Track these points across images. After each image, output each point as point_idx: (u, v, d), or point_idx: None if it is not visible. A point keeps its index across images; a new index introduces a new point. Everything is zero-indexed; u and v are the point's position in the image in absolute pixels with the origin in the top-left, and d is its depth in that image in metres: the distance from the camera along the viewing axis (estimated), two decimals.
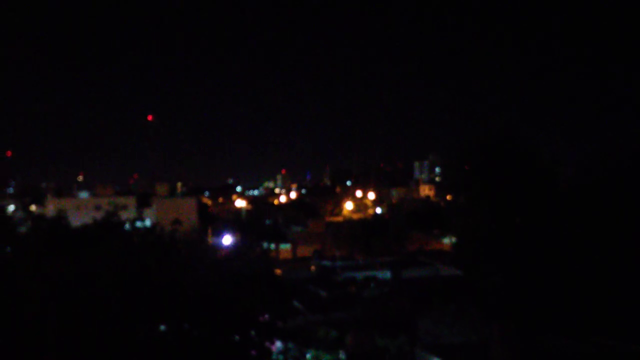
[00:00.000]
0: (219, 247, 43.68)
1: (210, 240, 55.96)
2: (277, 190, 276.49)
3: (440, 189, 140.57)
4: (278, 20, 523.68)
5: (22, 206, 19.66)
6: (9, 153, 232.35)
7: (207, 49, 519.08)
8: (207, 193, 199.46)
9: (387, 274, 52.69)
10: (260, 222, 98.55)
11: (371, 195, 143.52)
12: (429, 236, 78.53)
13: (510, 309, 28.17)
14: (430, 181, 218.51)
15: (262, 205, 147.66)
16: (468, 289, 32.38)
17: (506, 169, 30.26)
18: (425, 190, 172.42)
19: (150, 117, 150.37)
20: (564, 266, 27.56)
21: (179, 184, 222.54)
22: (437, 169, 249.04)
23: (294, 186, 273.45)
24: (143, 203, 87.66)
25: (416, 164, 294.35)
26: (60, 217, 19.76)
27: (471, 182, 31.76)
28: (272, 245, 74.37)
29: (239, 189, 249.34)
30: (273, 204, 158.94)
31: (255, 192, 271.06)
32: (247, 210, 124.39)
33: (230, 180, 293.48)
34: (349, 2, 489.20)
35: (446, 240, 72.56)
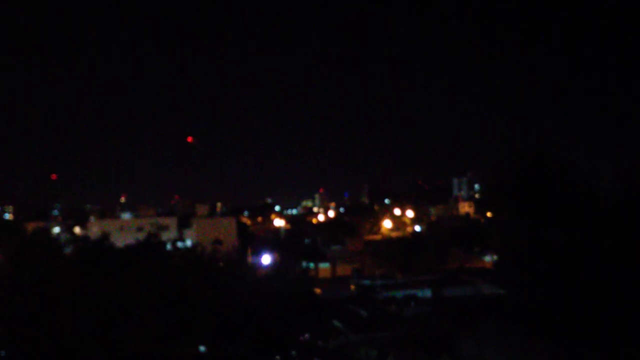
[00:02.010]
0: (258, 266, 43.78)
1: (250, 259, 56.14)
2: (315, 209, 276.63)
3: (480, 205, 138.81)
4: (316, 42, 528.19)
5: (67, 228, 20.04)
6: (54, 176, 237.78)
7: (247, 72, 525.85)
8: (246, 213, 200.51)
9: (428, 293, 52.15)
10: (299, 242, 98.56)
11: (410, 213, 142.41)
12: (470, 254, 77.52)
13: (555, 328, 27.52)
14: (470, 198, 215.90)
15: (300, 224, 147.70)
16: (511, 307, 31.76)
17: (547, 184, 29.75)
18: (465, 208, 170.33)
19: (190, 139, 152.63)
20: (609, 283, 26.87)
21: (219, 204, 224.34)
22: (477, 186, 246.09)
23: (332, 205, 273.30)
24: (184, 223, 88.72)
25: (455, 181, 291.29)
26: (104, 239, 20.07)
27: (512, 199, 31.26)
28: (311, 265, 74.23)
29: (277, 208, 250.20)
30: (311, 223, 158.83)
31: (294, 212, 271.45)
32: (286, 230, 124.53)
33: (269, 200, 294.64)
34: (393, 23, 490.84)
35: (487, 258, 71.53)
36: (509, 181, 32.24)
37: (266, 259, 57.92)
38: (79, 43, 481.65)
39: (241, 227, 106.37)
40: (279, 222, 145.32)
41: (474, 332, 33.19)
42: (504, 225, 33.19)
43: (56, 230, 20.40)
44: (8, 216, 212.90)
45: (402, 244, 73.50)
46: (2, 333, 18.11)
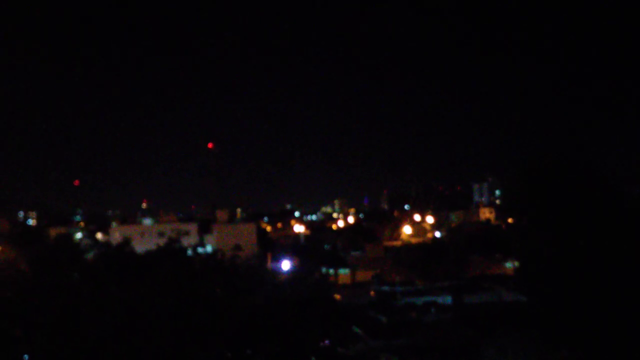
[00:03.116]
0: (278, 272, 43.78)
1: (270, 265, 56.15)
2: (335, 215, 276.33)
3: (501, 212, 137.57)
4: (336, 50, 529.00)
5: (89, 234, 20.23)
6: (76, 182, 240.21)
7: (268, 78, 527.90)
8: (266, 219, 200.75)
9: (448, 299, 51.81)
10: (318, 247, 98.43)
11: (430, 219, 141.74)
12: (490, 260, 76.90)
13: (578, 336, 27.18)
14: (490, 204, 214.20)
15: (320, 230, 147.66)
16: (533, 314, 31.42)
17: (570, 190, 29.42)
18: (486, 214, 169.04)
19: (210, 145, 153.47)
20: (634, 291, 26.48)
21: (239, 210, 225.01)
22: (497, 192, 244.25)
23: (351, 211, 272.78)
24: (204, 229, 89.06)
25: (475, 186, 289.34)
26: (125, 244, 20.20)
27: (534, 204, 30.96)
28: (331, 271, 74.10)
29: (297, 214, 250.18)
30: (331, 229, 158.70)
31: (314, 217, 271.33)
32: (306, 236, 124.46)
33: (289, 206, 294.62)
34: (414, 30, 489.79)
35: (508, 265, 70.88)
36: (530, 187, 31.95)
37: (286, 265, 57.91)
38: (102, 51, 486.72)
39: (261, 233, 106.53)
40: (298, 228, 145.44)
41: (495, 340, 32.89)
42: (526, 231, 32.89)
43: (78, 235, 20.58)
44: (31, 222, 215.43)
45: (422, 250, 73.09)
46: (25, 337, 18.29)
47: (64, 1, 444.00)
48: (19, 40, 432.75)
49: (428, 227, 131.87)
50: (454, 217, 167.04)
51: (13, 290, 18.79)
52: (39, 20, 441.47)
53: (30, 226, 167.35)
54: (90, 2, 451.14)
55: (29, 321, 18.48)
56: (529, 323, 31.37)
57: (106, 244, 19.93)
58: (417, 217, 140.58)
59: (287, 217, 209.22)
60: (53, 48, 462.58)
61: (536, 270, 30.98)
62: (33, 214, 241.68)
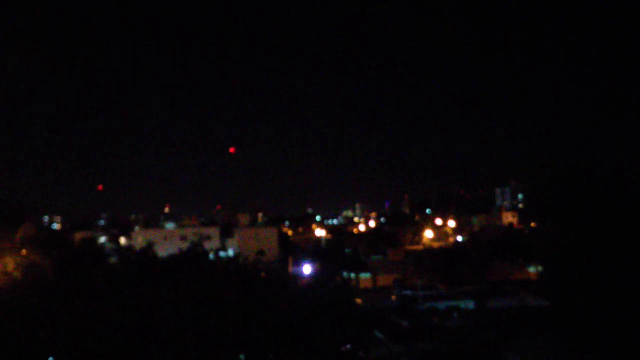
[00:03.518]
0: (299, 276, 43.83)
1: (291, 269, 56.24)
2: (356, 220, 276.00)
3: (525, 216, 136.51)
4: (356, 55, 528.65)
5: (112, 238, 20.44)
6: (100, 187, 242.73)
7: (289, 83, 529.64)
8: (287, 223, 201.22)
9: (471, 304, 51.49)
10: (340, 252, 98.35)
11: (452, 224, 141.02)
12: (514, 265, 76.28)
13: (603, 342, 26.85)
14: (513, 208, 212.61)
15: (341, 234, 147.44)
16: (557, 320, 31.12)
17: (595, 194, 29.11)
18: (508, 218, 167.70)
19: (232, 150, 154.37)
20: None
21: (260, 214, 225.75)
22: (520, 196, 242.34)
23: (373, 215, 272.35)
24: (226, 233, 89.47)
25: (498, 190, 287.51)
26: (148, 248, 20.37)
27: (558, 209, 30.68)
28: (353, 275, 73.99)
29: (318, 218, 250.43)
30: (352, 233, 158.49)
31: (335, 222, 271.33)
32: (327, 240, 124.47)
33: (310, 210, 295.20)
34: (432, 34, 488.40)
35: (532, 269, 70.26)
36: (554, 191, 31.68)
37: (307, 269, 57.97)
38: (126, 58, 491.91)
39: (283, 237, 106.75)
40: (320, 232, 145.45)
41: (518, 345, 32.63)
42: (549, 235, 32.61)
43: (102, 240, 20.80)
44: (56, 226, 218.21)
45: (444, 254, 72.68)
46: (50, 339, 18.52)
47: (98, 8, 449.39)
48: (48, 47, 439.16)
49: (450, 232, 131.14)
50: (476, 222, 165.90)
51: (39, 294, 19.03)
52: (66, 26, 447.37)
53: (55, 231, 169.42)
54: (115, 8, 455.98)
55: (54, 324, 18.70)
56: (553, 328, 31.08)
57: (129, 248, 20.10)
58: (438, 222, 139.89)
59: (308, 222, 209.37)
60: (82, 55, 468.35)
61: (560, 274, 30.70)
62: (58, 218, 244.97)
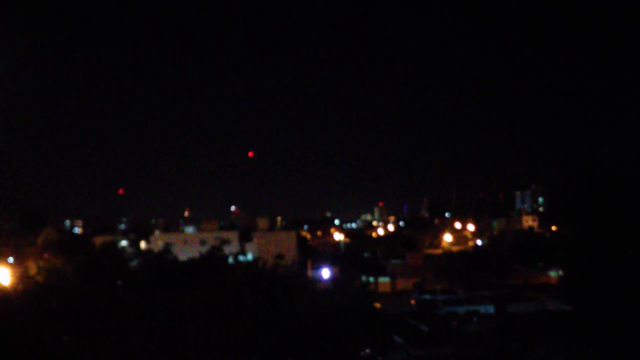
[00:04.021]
0: (318, 280, 43.82)
1: (310, 273, 56.25)
2: (374, 223, 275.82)
3: (545, 219, 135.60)
4: (373, 58, 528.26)
5: (132, 242, 20.54)
6: (120, 191, 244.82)
7: (307, 87, 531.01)
8: (306, 226, 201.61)
9: (491, 309, 51.16)
10: (358, 255, 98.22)
11: (471, 227, 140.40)
12: (534, 269, 75.76)
13: (626, 347, 26.57)
14: (533, 212, 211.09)
15: (360, 238, 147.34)
16: (579, 325, 30.83)
17: (617, 197, 28.83)
18: (529, 221, 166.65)
19: (251, 154, 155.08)
20: None
21: (279, 218, 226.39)
22: (541, 199, 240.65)
23: (391, 218, 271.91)
24: (245, 237, 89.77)
25: (517, 194, 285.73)
26: (166, 251, 20.47)
27: (579, 211, 30.43)
28: (371, 279, 73.88)
29: (337, 222, 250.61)
30: (371, 236, 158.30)
31: (353, 225, 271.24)
32: (346, 243, 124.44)
33: (329, 214, 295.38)
34: (453, 38, 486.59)
35: (553, 273, 69.75)
36: (575, 193, 31.43)
37: (326, 273, 57.94)
38: (145, 62, 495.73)
39: (301, 240, 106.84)
40: (338, 236, 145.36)
41: (539, 351, 32.37)
42: (570, 239, 32.37)
43: (122, 243, 20.96)
44: (77, 230, 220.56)
45: (464, 258, 72.38)
46: (72, 343, 18.67)
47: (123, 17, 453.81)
48: (75, 53, 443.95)
49: (469, 235, 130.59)
50: (496, 225, 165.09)
51: (60, 298, 19.20)
52: (91, 30, 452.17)
53: (76, 234, 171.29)
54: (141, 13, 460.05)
55: (75, 328, 18.85)
56: (574, 333, 30.81)
57: (149, 251, 20.20)
58: (457, 225, 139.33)
59: (327, 225, 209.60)
60: (105, 60, 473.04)
61: (581, 278, 30.44)
62: (79, 222, 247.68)
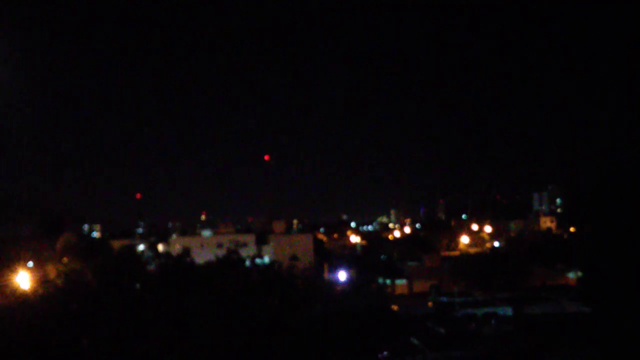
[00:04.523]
0: (335, 282, 43.81)
1: (326, 275, 56.29)
2: (391, 226, 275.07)
3: (563, 220, 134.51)
4: (390, 60, 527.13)
5: (150, 245, 20.71)
6: (138, 195, 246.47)
7: (323, 90, 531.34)
8: (322, 229, 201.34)
9: (509, 311, 50.87)
10: (375, 258, 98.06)
11: (488, 229, 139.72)
12: (552, 270, 75.17)
13: None
14: (551, 213, 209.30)
15: (376, 240, 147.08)
16: (598, 327, 30.56)
17: (636, 199, 28.56)
18: (546, 223, 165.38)
19: (267, 157, 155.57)
20: None
21: (295, 221, 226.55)
22: (558, 200, 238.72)
23: (407, 221, 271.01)
24: (262, 240, 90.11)
25: (535, 195, 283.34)
26: (184, 255, 20.61)
27: (597, 213, 30.18)
28: (388, 281, 73.71)
29: (353, 224, 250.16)
30: (387, 239, 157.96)
31: (370, 228, 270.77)
32: (362, 246, 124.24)
33: (345, 216, 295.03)
34: (468, 41, 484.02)
35: (571, 275, 69.15)
36: (593, 194, 31.19)
37: (342, 275, 57.94)
38: (160, 67, 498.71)
39: (318, 243, 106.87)
40: (354, 239, 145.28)
41: (557, 352, 32.15)
42: (589, 240, 32.09)
43: (140, 247, 21.10)
44: (95, 234, 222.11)
45: (481, 260, 71.90)
46: (92, 345, 18.86)
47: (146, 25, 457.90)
48: (92, 57, 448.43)
49: (486, 237, 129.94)
50: (513, 227, 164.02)
51: (80, 301, 19.42)
52: (111, 37, 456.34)
53: (94, 239, 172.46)
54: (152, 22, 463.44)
55: (95, 330, 19.04)
56: (593, 335, 30.54)
57: (167, 255, 20.36)
58: (474, 227, 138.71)
59: (343, 228, 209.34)
60: (121, 65, 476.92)
61: (600, 280, 30.17)
62: (97, 226, 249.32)
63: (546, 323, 42.55)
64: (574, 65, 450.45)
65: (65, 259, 56.98)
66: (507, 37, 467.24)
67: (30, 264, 46.55)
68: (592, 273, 32.35)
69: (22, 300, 20.35)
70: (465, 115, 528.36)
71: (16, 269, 33.02)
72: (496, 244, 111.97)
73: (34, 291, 22.12)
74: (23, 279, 26.80)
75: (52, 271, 21.42)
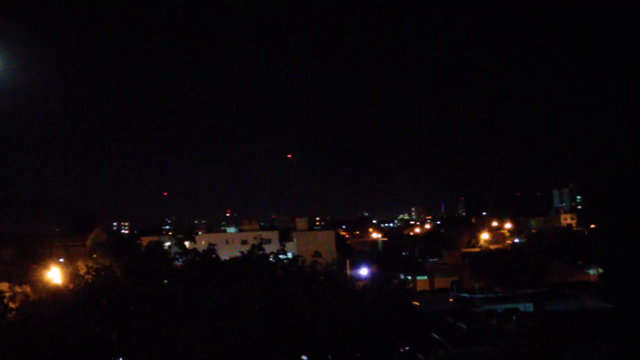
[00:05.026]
0: (356, 278, 44.21)
1: (349, 272, 56.64)
2: (412, 222, 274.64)
3: (583, 217, 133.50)
4: (410, 61, 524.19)
5: (177, 242, 21.13)
6: (165, 194, 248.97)
7: (344, 89, 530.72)
8: (344, 226, 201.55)
9: (530, 307, 50.94)
10: (396, 254, 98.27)
11: (508, 226, 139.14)
12: (573, 267, 74.93)
13: None
14: (572, 210, 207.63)
15: (397, 237, 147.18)
16: (619, 323, 30.67)
17: None
18: (567, 220, 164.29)
19: (290, 156, 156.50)
20: None
21: (318, 218, 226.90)
22: (579, 198, 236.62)
23: (428, 218, 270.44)
24: (285, 237, 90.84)
25: (555, 192, 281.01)
26: (210, 251, 20.99)
27: (618, 209, 30.29)
28: (409, 277, 73.99)
29: (374, 221, 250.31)
30: (408, 235, 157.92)
31: (391, 225, 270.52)
32: (383, 243, 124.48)
33: (366, 213, 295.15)
34: (491, 39, 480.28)
35: (592, 271, 68.95)
36: (614, 191, 31.29)
37: (364, 272, 58.29)
38: (188, 64, 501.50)
39: (340, 240, 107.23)
40: (376, 235, 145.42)
41: (578, 349, 32.25)
42: (610, 236, 32.19)
43: (167, 244, 21.65)
44: (124, 231, 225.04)
45: (501, 256, 71.84)
46: (120, 340, 19.41)
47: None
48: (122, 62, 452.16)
49: (507, 234, 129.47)
50: (534, 223, 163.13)
51: (109, 297, 19.96)
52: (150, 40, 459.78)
53: (123, 235, 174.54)
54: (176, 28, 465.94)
55: (123, 326, 19.56)
56: (615, 332, 30.64)
57: (193, 251, 20.83)
58: (495, 224, 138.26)
59: (364, 225, 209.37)
60: (150, 61, 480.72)
61: (621, 276, 30.28)
62: (126, 224, 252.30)
63: (567, 319, 42.58)
64: (598, 62, 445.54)
65: (95, 255, 58.01)
66: (530, 34, 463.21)
67: (62, 260, 47.47)
68: (612, 269, 32.45)
69: (53, 295, 20.96)
70: (487, 113, 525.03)
71: (48, 265, 33.93)
72: (517, 240, 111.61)
73: (65, 287, 22.76)
74: (55, 275, 27.59)
75: (82, 267, 22.00)
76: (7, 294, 20.04)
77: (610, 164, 32.31)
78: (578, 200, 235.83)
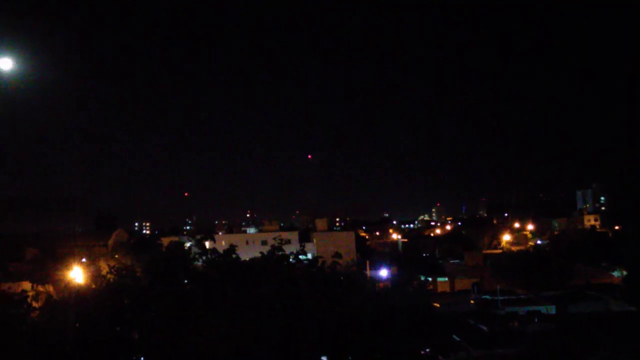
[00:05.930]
0: (377, 279, 44.17)
1: (369, 272, 56.61)
2: (432, 223, 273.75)
3: (607, 218, 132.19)
4: (429, 62, 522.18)
5: (198, 242, 21.20)
6: (186, 194, 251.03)
7: (364, 91, 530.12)
8: (364, 227, 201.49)
9: (552, 309, 50.46)
10: (416, 255, 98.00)
11: (531, 227, 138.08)
12: (596, 269, 74.09)
13: None
14: (595, 211, 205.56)
15: (418, 238, 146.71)
16: None
17: None
18: (590, 221, 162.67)
19: (310, 157, 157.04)
20: None
21: (337, 219, 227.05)
22: (602, 198, 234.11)
23: (449, 219, 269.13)
24: (304, 237, 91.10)
25: (579, 193, 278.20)
26: (230, 251, 21.06)
27: None
28: (430, 279, 73.71)
29: (394, 222, 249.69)
30: (429, 236, 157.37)
31: (411, 226, 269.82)
32: (404, 244, 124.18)
33: (387, 214, 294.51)
34: (513, 42, 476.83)
35: (616, 273, 68.15)
36: (638, 193, 30.91)
37: (384, 273, 58.20)
38: (208, 67, 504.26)
39: (360, 241, 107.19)
40: (396, 236, 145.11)
41: (602, 352, 31.92)
42: (634, 238, 31.83)
43: (188, 244, 21.75)
44: (145, 231, 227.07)
45: (523, 258, 71.27)
46: (141, 339, 19.55)
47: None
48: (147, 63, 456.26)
49: (529, 235, 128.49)
50: (557, 225, 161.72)
51: (130, 296, 20.11)
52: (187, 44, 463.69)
53: (144, 235, 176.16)
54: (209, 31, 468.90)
55: (144, 325, 19.69)
56: (638, 334, 30.28)
57: (214, 251, 20.90)
58: (517, 225, 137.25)
59: (385, 226, 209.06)
60: (171, 65, 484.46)
61: None
62: (147, 224, 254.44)
63: (590, 322, 42.13)
64: (622, 62, 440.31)
65: (116, 255, 58.56)
66: (554, 35, 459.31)
67: (84, 259, 47.97)
68: (637, 271, 32.07)
69: (76, 294, 21.16)
70: (509, 113, 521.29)
71: (70, 264, 34.28)
72: (539, 242, 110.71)
73: (87, 286, 22.97)
74: (77, 275, 27.87)
75: (104, 267, 22.19)
76: (31, 294, 20.26)
77: (635, 165, 31.89)
78: (602, 201, 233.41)
